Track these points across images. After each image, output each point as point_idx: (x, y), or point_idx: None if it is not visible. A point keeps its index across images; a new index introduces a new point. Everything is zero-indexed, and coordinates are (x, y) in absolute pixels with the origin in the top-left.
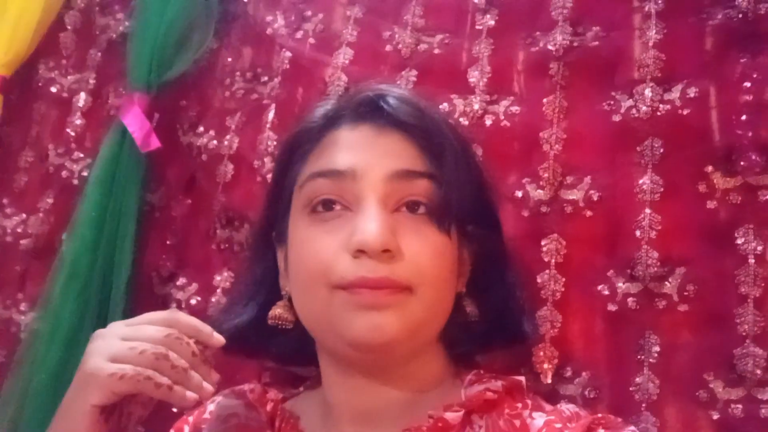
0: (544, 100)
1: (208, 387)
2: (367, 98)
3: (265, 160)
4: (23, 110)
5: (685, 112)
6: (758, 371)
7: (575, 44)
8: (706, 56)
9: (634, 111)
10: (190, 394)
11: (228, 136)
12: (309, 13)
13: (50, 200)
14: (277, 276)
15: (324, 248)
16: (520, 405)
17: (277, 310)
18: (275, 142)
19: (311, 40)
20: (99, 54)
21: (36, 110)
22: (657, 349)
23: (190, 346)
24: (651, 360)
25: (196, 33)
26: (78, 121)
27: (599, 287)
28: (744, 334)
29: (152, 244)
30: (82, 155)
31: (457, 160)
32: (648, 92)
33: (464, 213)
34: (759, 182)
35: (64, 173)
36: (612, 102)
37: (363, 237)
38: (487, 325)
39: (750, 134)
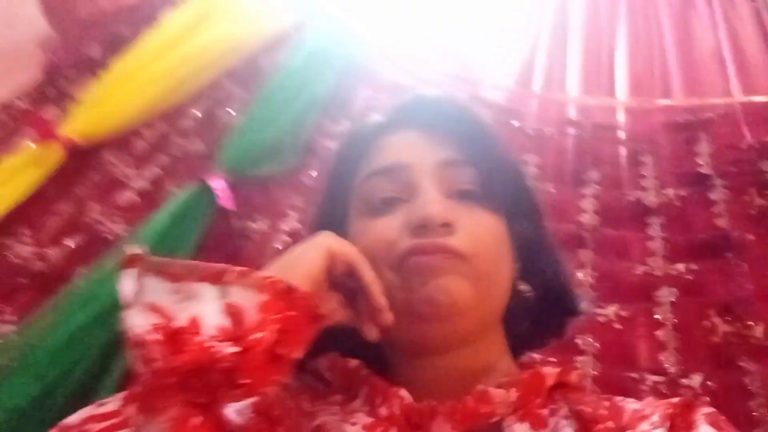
0: None
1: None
2: (405, 105)
3: None
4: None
5: None
6: None
7: None
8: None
9: None
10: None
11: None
12: None
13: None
14: None
15: (386, 231)
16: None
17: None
18: None
19: None
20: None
21: (89, 178)
22: None
23: None
24: None
25: (289, 149)
26: (130, 196)
27: None
28: None
29: None
30: (122, 221)
31: (495, 149)
32: None
33: (510, 196)
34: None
35: (99, 227)
36: None
37: (423, 212)
38: (543, 298)
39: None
